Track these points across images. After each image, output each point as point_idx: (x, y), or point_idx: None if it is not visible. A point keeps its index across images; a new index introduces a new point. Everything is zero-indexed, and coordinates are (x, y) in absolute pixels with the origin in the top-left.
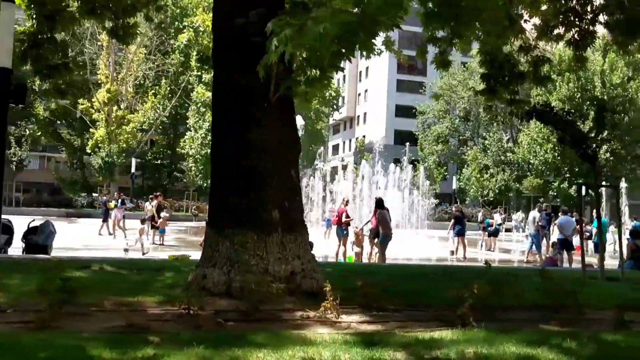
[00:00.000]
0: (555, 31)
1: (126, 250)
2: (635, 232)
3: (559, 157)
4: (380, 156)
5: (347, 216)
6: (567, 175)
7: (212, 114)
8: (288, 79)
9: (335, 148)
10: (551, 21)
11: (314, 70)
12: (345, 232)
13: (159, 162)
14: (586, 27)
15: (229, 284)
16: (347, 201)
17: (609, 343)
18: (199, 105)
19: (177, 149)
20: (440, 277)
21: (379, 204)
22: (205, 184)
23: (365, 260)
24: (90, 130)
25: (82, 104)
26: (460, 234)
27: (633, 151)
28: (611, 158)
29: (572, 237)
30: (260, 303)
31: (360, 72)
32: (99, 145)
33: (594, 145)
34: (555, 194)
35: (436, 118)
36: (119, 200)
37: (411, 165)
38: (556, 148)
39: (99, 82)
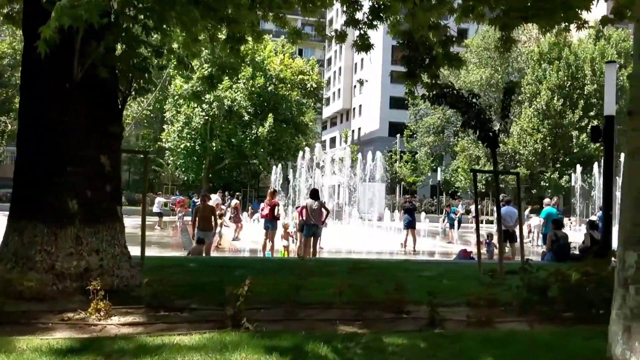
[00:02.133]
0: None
1: None
2: (556, 222)
3: (549, 147)
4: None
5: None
6: (558, 165)
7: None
8: (94, 57)
9: (333, 141)
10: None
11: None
12: (272, 225)
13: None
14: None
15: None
16: (274, 192)
17: (370, 346)
18: (175, 98)
19: (159, 143)
20: (297, 272)
21: (313, 194)
22: (188, 178)
23: (292, 253)
24: None
25: None
26: (409, 226)
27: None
28: (601, 147)
29: (515, 228)
30: (41, 303)
31: (356, 64)
32: None
33: (497, 130)
34: (547, 184)
35: (428, 109)
36: None
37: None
38: (547, 138)
39: None
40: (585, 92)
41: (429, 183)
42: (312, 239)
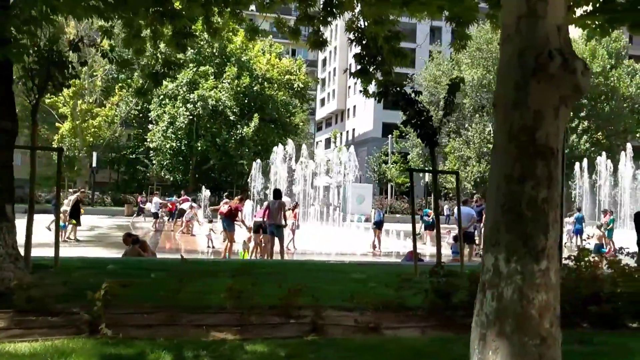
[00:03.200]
0: None
1: None
2: None
3: None
4: (369, 149)
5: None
6: None
7: None
8: None
9: (328, 142)
10: None
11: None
12: (230, 226)
13: (133, 156)
14: None
15: None
16: (242, 198)
17: (224, 354)
18: (160, 97)
19: (145, 143)
20: (204, 273)
21: (275, 194)
22: (175, 178)
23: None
24: (56, 124)
25: (48, 98)
26: (377, 226)
27: (615, 141)
28: (592, 148)
29: (471, 229)
30: None
31: (350, 64)
32: (64, 139)
33: (437, 127)
34: None
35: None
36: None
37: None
38: None
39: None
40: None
41: (420, 184)
42: (273, 238)
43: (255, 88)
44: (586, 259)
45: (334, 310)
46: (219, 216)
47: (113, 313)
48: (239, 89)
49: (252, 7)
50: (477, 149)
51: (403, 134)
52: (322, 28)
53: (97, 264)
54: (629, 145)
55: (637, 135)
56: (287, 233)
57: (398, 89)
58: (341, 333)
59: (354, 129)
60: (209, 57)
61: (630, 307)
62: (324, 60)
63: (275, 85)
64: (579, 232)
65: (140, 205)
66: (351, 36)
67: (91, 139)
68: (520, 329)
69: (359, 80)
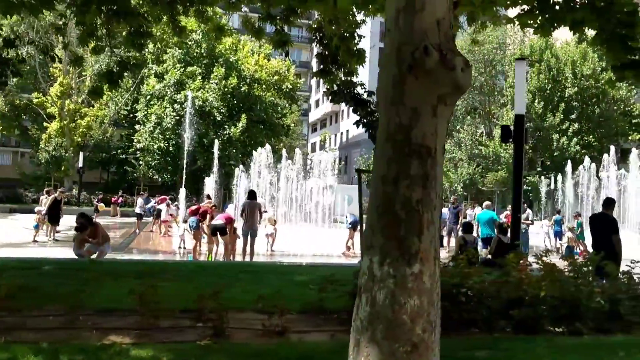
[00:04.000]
0: None
1: None
2: (465, 225)
3: (530, 151)
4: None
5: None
6: (539, 168)
7: None
8: None
9: (322, 143)
10: None
11: None
12: (195, 225)
13: (124, 156)
14: None
15: None
16: (213, 205)
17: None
18: (147, 98)
19: (134, 143)
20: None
21: (250, 195)
22: (164, 179)
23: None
24: (44, 124)
25: (36, 97)
26: (352, 226)
27: (605, 144)
28: (582, 151)
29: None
30: None
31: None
32: (52, 139)
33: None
34: (529, 188)
35: None
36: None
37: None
38: (529, 142)
39: (54, 75)
40: (565, 95)
41: None
42: (249, 239)
43: (243, 89)
44: (521, 261)
45: (252, 313)
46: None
47: (16, 316)
48: (226, 89)
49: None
50: (469, 151)
51: None
52: (285, 27)
53: (36, 264)
54: (612, 149)
55: (630, 137)
56: (260, 235)
57: (351, 89)
58: (246, 337)
59: (347, 131)
60: (197, 57)
61: (552, 311)
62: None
63: (264, 86)
64: (557, 234)
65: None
66: (313, 36)
67: (79, 139)
68: (391, 335)
69: (324, 82)
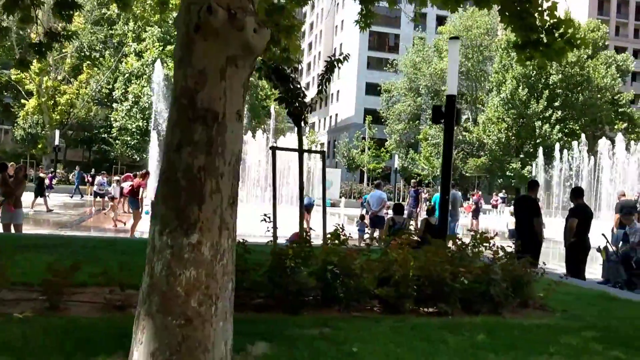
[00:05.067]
0: None
1: None
2: (396, 206)
3: (513, 138)
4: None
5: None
6: (522, 155)
7: None
8: None
9: (313, 126)
10: None
11: None
12: (134, 204)
13: (105, 135)
14: None
15: None
16: (146, 174)
17: None
18: (126, 76)
19: (111, 122)
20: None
21: None
22: (143, 158)
23: None
24: (22, 101)
25: (15, 74)
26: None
27: (589, 131)
28: (565, 138)
29: (381, 213)
30: None
31: (335, 49)
32: (29, 116)
33: (309, 107)
34: (512, 174)
35: (400, 96)
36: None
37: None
38: (511, 128)
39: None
40: (550, 82)
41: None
42: None
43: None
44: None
45: (98, 288)
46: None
47: None
48: None
49: None
50: (454, 137)
51: (383, 120)
52: None
53: None
54: (583, 136)
55: (616, 127)
56: None
57: (274, 63)
58: (85, 311)
59: (336, 114)
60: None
61: (419, 291)
62: (310, 44)
63: None
64: None
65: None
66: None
67: (58, 117)
68: (165, 307)
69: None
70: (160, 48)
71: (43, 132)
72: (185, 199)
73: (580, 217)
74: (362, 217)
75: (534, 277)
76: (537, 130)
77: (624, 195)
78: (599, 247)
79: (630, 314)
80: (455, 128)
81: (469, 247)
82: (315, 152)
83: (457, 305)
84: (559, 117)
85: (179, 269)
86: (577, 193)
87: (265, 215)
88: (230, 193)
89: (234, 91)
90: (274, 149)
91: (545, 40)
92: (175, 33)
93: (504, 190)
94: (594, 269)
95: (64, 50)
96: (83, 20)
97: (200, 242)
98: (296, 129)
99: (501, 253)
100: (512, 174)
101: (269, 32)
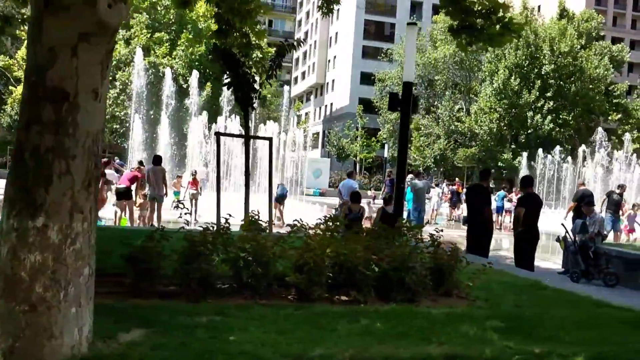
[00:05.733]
0: None
1: None
2: (353, 194)
3: (505, 128)
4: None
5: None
6: (513, 145)
7: None
8: None
9: (307, 115)
10: None
11: None
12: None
13: None
14: None
15: None
16: (141, 163)
17: None
18: (113, 63)
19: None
20: None
21: (155, 160)
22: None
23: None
24: (10, 87)
25: (2, 60)
26: (278, 200)
27: (582, 122)
28: (557, 129)
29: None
30: None
31: (330, 37)
32: (17, 103)
33: (259, 92)
34: (503, 164)
35: (394, 85)
36: None
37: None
38: (503, 118)
39: (21, 38)
40: (542, 72)
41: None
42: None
43: (210, 57)
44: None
45: None
46: None
47: None
48: (193, 56)
49: None
50: (447, 127)
51: (377, 110)
52: None
53: None
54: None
55: (610, 117)
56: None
57: (227, 48)
58: None
59: (331, 104)
60: (166, 24)
61: (331, 278)
62: (306, 33)
63: None
64: (499, 209)
65: None
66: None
67: None
68: (8, 293)
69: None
70: (149, 35)
71: None
72: (32, 180)
73: (528, 206)
74: (341, 206)
75: (458, 267)
76: (529, 121)
77: (583, 184)
78: (558, 237)
79: (550, 303)
80: (449, 118)
81: (405, 236)
82: (262, 138)
83: (371, 294)
84: (551, 107)
85: (23, 253)
86: (525, 182)
87: (179, 201)
88: (85, 175)
89: (89, 69)
90: (218, 135)
91: (479, 26)
92: (164, 20)
93: (492, 181)
94: (559, 260)
95: None
96: None
97: (47, 226)
98: (259, 118)
99: (427, 240)
100: (503, 164)
101: (126, 7)
